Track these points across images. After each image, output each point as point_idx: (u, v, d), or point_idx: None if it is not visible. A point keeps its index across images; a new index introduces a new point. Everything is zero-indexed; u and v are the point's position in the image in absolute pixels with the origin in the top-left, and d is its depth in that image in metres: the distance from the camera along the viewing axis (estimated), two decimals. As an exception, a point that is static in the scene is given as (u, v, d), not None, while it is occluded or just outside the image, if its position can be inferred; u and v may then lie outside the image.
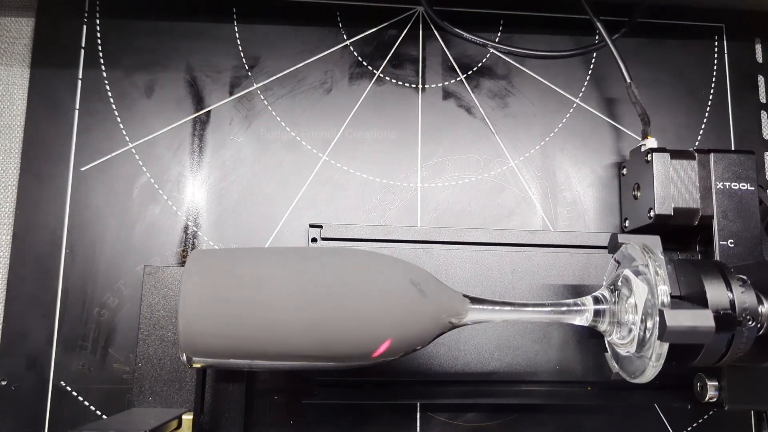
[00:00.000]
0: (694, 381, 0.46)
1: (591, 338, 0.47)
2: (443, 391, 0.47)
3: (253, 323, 0.35)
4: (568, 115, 0.53)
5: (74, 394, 0.46)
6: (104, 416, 0.45)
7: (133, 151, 0.49)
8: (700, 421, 0.50)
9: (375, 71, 0.52)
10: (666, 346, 0.37)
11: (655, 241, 0.43)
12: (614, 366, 0.42)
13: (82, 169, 0.48)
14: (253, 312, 0.35)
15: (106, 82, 0.49)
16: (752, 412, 0.50)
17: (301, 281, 0.36)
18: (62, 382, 0.45)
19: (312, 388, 0.46)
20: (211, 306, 0.35)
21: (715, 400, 0.44)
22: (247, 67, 0.51)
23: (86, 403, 0.45)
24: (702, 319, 0.36)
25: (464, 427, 0.48)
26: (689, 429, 0.49)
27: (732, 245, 0.46)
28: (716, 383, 0.44)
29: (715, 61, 0.55)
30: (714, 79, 0.55)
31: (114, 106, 0.49)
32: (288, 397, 0.47)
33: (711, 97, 0.54)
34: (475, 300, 0.40)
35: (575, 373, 0.47)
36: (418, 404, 0.48)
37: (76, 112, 0.49)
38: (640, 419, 0.49)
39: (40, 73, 0.49)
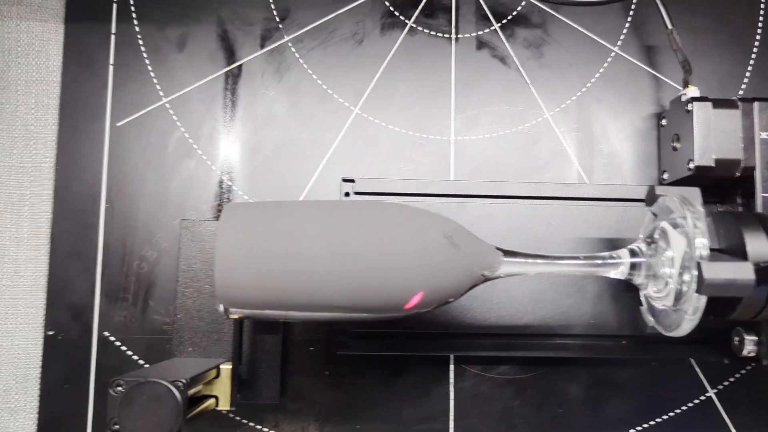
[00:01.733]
0: (731, 335, 0.45)
1: (626, 292, 0.47)
2: (476, 344, 0.47)
3: (288, 275, 0.36)
4: (605, 64, 0.51)
5: (118, 344, 0.47)
6: (147, 365, 0.47)
7: (167, 105, 0.49)
8: (737, 376, 0.49)
9: (407, 21, 0.51)
10: (704, 299, 0.36)
11: (694, 193, 0.42)
12: (650, 319, 0.42)
13: (118, 124, 0.49)
14: (288, 264, 0.36)
15: (139, 36, 0.49)
16: (791, 366, 0.49)
17: (334, 234, 0.36)
18: (106, 333, 0.47)
19: (347, 339, 0.46)
20: (246, 258, 0.36)
21: (753, 354, 0.44)
22: (278, 19, 0.50)
23: (129, 353, 0.47)
24: (741, 271, 0.35)
25: (497, 380, 0.48)
26: (725, 384, 0.49)
27: (775, 197, 0.45)
28: (755, 337, 0.44)
29: (762, 6, 0.53)
30: (760, 25, 0.52)
31: (147, 61, 0.49)
32: (324, 348, 0.48)
33: (756, 44, 0.52)
34: (507, 253, 0.40)
35: (609, 326, 0.47)
36: (452, 356, 0.48)
37: (111, 67, 0.49)
38: (675, 374, 0.49)
39: (74, 28, 0.49)
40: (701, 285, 0.35)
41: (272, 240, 0.36)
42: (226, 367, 0.43)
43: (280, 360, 0.46)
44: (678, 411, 0.49)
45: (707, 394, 0.49)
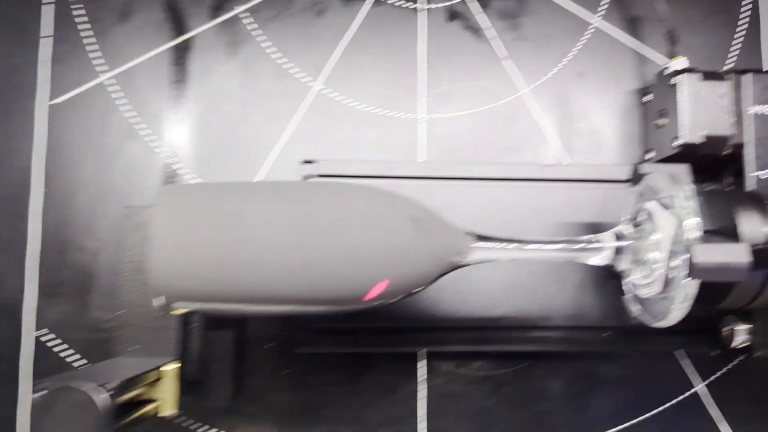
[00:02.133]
0: (721, 325, 0.42)
1: (610, 280, 0.43)
2: (449, 338, 0.43)
3: (234, 264, 0.32)
4: (586, 36, 0.48)
5: (55, 342, 0.43)
6: (84, 366, 0.43)
7: (109, 82, 0.45)
8: (728, 368, 0.46)
9: (372, -10, 0.47)
10: (694, 285, 0.33)
11: (683, 171, 0.39)
12: (635, 309, 0.39)
13: (54, 102, 0.44)
14: (233, 252, 0.32)
15: (78, 5, 0.45)
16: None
17: (287, 217, 0.32)
18: (42, 331, 0.43)
19: (308, 335, 0.43)
20: (185, 246, 0.32)
21: (745, 345, 0.41)
22: (231, -12, 0.46)
23: (68, 353, 0.43)
24: (736, 253, 0.32)
25: (472, 376, 0.45)
26: (715, 377, 0.46)
27: (765, 176, 0.41)
28: (747, 327, 0.41)
29: (751, -26, 0.49)
30: (749, -5, 0.49)
31: (87, 33, 0.45)
32: (282, 345, 0.44)
33: (746, 15, 0.49)
34: (479, 237, 0.36)
35: (592, 317, 0.44)
36: (422, 352, 0.45)
37: (46, 39, 0.44)
38: (662, 367, 0.46)
39: (3, -4, 0.45)
40: (693, 269, 0.32)
41: (216, 225, 0.32)
42: (171, 368, 0.39)
43: (234, 358, 0.42)
44: (665, 406, 0.45)
45: (696, 388, 0.46)
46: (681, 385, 0.46)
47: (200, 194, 0.34)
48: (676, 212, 0.34)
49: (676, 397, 0.46)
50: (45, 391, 0.30)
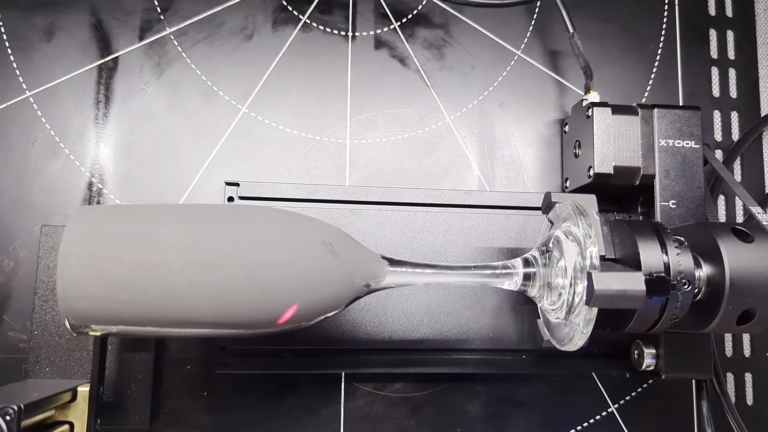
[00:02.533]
0: (631, 349, 0.44)
1: (526, 304, 0.45)
2: (369, 360, 0.44)
3: (142, 287, 0.32)
4: (508, 68, 0.50)
5: (-34, 364, 0.42)
6: (-1, 388, 0.42)
7: (31, 100, 0.44)
8: (639, 390, 0.48)
9: (301, 17, 0.48)
10: (594, 311, 0.34)
11: (590, 201, 0.40)
12: (545, 333, 0.40)
13: (-26, 118, 0.44)
14: (142, 274, 0.32)
15: (0, 23, 0.45)
16: (693, 380, 0.48)
17: (197, 240, 0.33)
18: (-48, 352, 0.42)
19: (227, 357, 0.43)
20: (93, 267, 0.32)
21: (652, 368, 0.42)
22: (159, 10, 0.47)
23: (-21, 374, 0.42)
24: (632, 282, 0.33)
25: (392, 398, 0.45)
26: (627, 398, 0.47)
27: (674, 206, 0.43)
28: (653, 351, 0.42)
29: (665, 14, 0.52)
30: (663, 33, 0.52)
31: (9, 50, 0.44)
32: (201, 366, 0.44)
33: (660, 51, 0.51)
34: (393, 262, 0.37)
35: (509, 340, 0.45)
36: (343, 374, 0.45)
37: (-33, 55, 0.44)
38: (577, 389, 0.47)
39: None
40: (591, 296, 0.33)
41: (124, 246, 0.32)
42: (84, 389, 0.39)
43: (152, 380, 0.42)
44: (580, 427, 0.47)
45: (609, 410, 0.47)
46: (595, 406, 0.47)
47: (113, 215, 0.34)
48: (580, 240, 0.35)
49: (590, 419, 0.47)
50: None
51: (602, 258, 0.35)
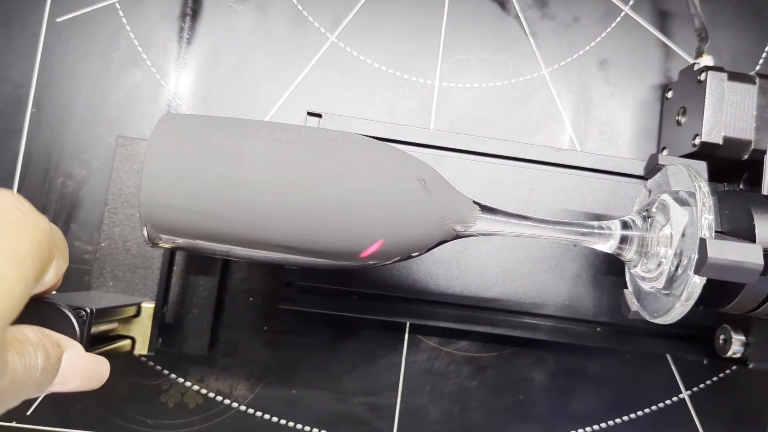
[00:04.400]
0: (716, 333, 0.41)
1: (608, 275, 0.42)
2: (436, 313, 0.42)
3: (227, 201, 0.30)
4: (614, 24, 0.46)
5: (29, 269, 0.41)
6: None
7: (118, 5, 0.43)
8: (715, 379, 0.45)
9: (402, -53, 0.45)
10: (701, 283, 0.32)
11: (700, 167, 0.37)
12: (634, 303, 0.37)
13: (58, 19, 0.42)
14: (229, 188, 0.30)
15: None
16: (775, 374, 0.45)
17: (288, 159, 0.31)
18: (16, 255, 0.41)
19: (292, 293, 0.41)
20: (179, 176, 0.30)
21: (738, 356, 0.40)
22: (256, -75, 0.44)
23: (41, 281, 0.41)
24: (750, 254, 0.31)
25: (455, 356, 0.43)
26: (702, 386, 0.45)
27: (784, 186, 0.40)
28: (742, 337, 0.40)
29: (789, -17, 0.48)
30: (785, 3, 0.48)
31: (100, -48, 0.43)
32: (265, 300, 0.42)
33: (780, 21, 0.48)
34: (485, 208, 0.34)
35: (585, 310, 0.42)
36: (408, 324, 0.43)
37: (56, -47, 0.42)
38: (649, 370, 0.45)
39: None
40: (703, 264, 0.30)
41: (212, 157, 0.30)
42: (149, 306, 0.37)
43: (214, 307, 0.40)
44: (647, 411, 0.44)
45: (681, 396, 0.45)
46: (666, 391, 0.45)
47: (201, 126, 0.32)
48: (692, 208, 0.32)
49: (659, 403, 0.45)
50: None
51: (715, 231, 0.32)
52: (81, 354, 0.26)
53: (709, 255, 0.30)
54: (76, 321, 0.28)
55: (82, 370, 0.26)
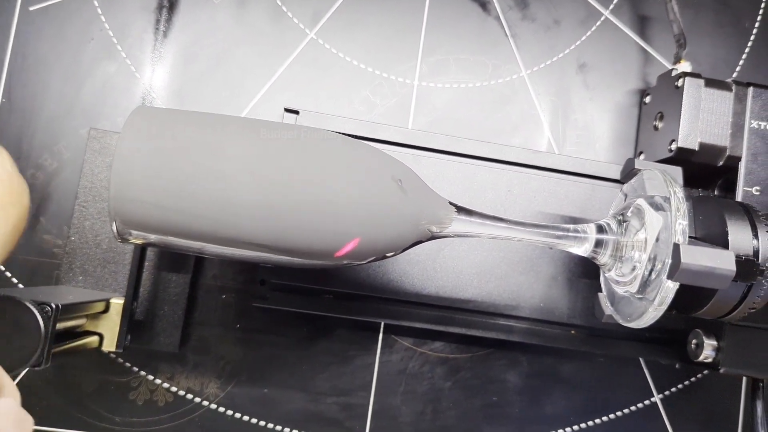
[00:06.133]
0: (689, 337, 0.41)
1: (583, 278, 0.42)
2: (411, 313, 0.42)
3: (200, 197, 0.30)
4: (594, 27, 0.47)
5: (-5, 262, 0.40)
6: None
7: (93, -5, 0.42)
8: (686, 383, 0.45)
9: (383, -56, 0.45)
10: (674, 288, 0.32)
11: (675, 172, 0.37)
12: (608, 307, 0.37)
13: (31, 8, 0.41)
14: (202, 183, 0.30)
15: None
16: (744, 378, 0.45)
17: (263, 155, 0.30)
18: (-17, 248, 0.40)
19: (265, 291, 0.40)
20: (150, 171, 0.29)
21: (710, 360, 0.40)
22: None
23: (8, 274, 0.40)
24: (723, 260, 0.31)
25: (429, 356, 0.43)
26: (673, 389, 0.45)
27: (758, 193, 0.40)
28: (714, 342, 0.40)
29: (767, -9, 0.48)
30: (762, 9, 0.48)
31: (75, -60, 0.42)
32: (238, 297, 0.42)
33: (756, 29, 0.48)
34: (461, 210, 0.34)
35: (560, 313, 0.42)
36: (382, 324, 0.43)
37: (30, -61, 0.42)
38: (622, 373, 0.45)
39: None
40: (675, 270, 0.31)
41: (185, 152, 0.30)
42: (118, 302, 0.37)
43: (186, 304, 0.40)
44: (619, 413, 0.45)
45: (653, 399, 0.45)
46: (638, 394, 0.45)
47: (175, 120, 0.31)
48: (668, 212, 0.33)
49: (631, 406, 0.45)
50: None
51: (696, 238, 0.32)
52: (13, 405, 0.24)
53: (682, 260, 0.30)
54: (41, 316, 0.28)
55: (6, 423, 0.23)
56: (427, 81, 0.44)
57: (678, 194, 0.33)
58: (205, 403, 0.41)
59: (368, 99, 0.44)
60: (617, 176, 0.43)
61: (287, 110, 0.41)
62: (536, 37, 0.46)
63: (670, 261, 0.31)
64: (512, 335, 0.42)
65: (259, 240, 0.31)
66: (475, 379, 0.43)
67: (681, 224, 0.32)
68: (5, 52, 0.41)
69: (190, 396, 0.41)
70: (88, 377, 0.40)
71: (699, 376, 0.46)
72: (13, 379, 0.26)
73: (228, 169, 0.30)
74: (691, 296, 0.35)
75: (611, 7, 0.47)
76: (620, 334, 0.43)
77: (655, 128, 0.44)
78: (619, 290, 0.36)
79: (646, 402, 0.45)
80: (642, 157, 0.45)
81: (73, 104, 0.41)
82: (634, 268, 0.34)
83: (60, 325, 0.30)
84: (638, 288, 0.34)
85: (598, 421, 0.44)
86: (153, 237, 0.31)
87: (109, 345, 0.36)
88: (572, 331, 0.43)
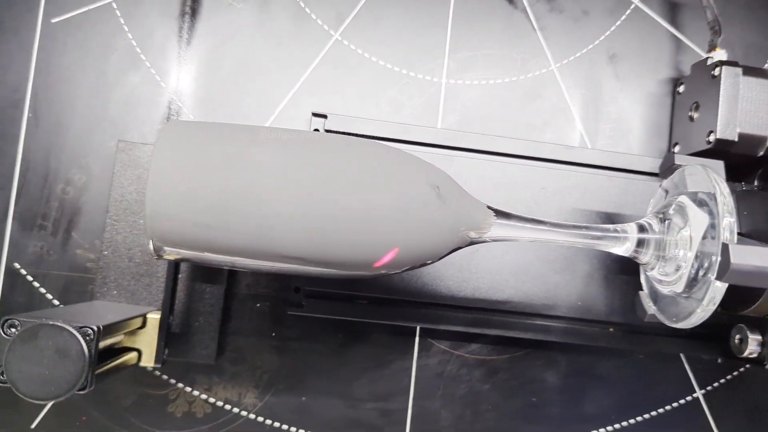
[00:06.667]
0: (732, 332, 0.40)
1: (620, 274, 0.42)
2: (447, 317, 0.41)
3: (234, 213, 0.29)
4: (623, 17, 0.45)
5: (29, 278, 0.40)
6: (61, 306, 0.40)
7: (114, 5, 0.41)
8: (729, 377, 0.45)
9: (406, -60, 0.44)
10: (723, 288, 0.31)
11: (717, 167, 0.36)
12: (650, 306, 0.37)
13: (53, 20, 0.41)
14: (237, 199, 0.29)
15: None
16: (789, 372, 0.45)
17: (298, 168, 0.30)
18: (16, 264, 0.40)
19: (300, 298, 0.40)
20: (185, 188, 0.29)
21: (755, 356, 0.39)
22: None
23: (42, 290, 0.40)
24: (774, 259, 0.30)
25: (466, 359, 0.43)
26: (716, 384, 0.44)
27: (800, 183, 0.39)
28: (759, 337, 0.39)
29: (802, -28, 0.47)
30: (798, -7, 0.47)
31: (94, -50, 0.41)
32: (272, 305, 0.41)
33: (792, 12, 0.47)
34: (500, 213, 0.34)
35: (598, 311, 0.42)
36: (418, 328, 0.43)
37: (49, -49, 0.41)
38: (662, 369, 0.44)
39: None
40: (725, 271, 0.30)
41: (220, 167, 0.29)
42: (154, 317, 0.36)
43: (221, 315, 0.40)
44: (660, 410, 0.44)
45: (695, 395, 0.44)
46: (679, 390, 0.44)
47: (207, 134, 0.31)
48: (713, 210, 0.32)
49: (673, 402, 0.44)
50: (23, 327, 0.27)
51: (740, 234, 0.31)
52: None
53: (732, 261, 0.29)
54: (83, 340, 0.27)
55: None
56: (455, 78, 0.44)
57: (723, 190, 0.32)
58: (244, 413, 0.41)
59: (396, 99, 0.43)
60: (652, 169, 0.42)
61: (315, 114, 0.40)
62: (564, 28, 0.45)
63: (718, 259, 0.30)
64: (550, 335, 0.41)
65: (296, 253, 0.30)
66: (513, 380, 0.43)
67: (728, 221, 0.31)
68: (30, 67, 0.40)
69: (228, 407, 0.41)
70: (126, 391, 0.40)
71: (741, 370, 0.45)
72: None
73: (263, 183, 0.29)
74: (739, 294, 0.34)
75: (641, -6, 0.46)
76: (660, 330, 0.42)
77: (691, 119, 0.43)
78: (663, 289, 0.35)
79: (688, 398, 0.44)
80: (677, 148, 0.44)
81: (100, 117, 0.41)
82: (678, 267, 0.34)
83: (101, 345, 0.30)
84: (684, 287, 0.33)
85: (639, 418, 0.44)
86: (189, 253, 0.31)
87: (148, 360, 0.36)
88: (610, 329, 0.42)
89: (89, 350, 0.27)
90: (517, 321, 0.42)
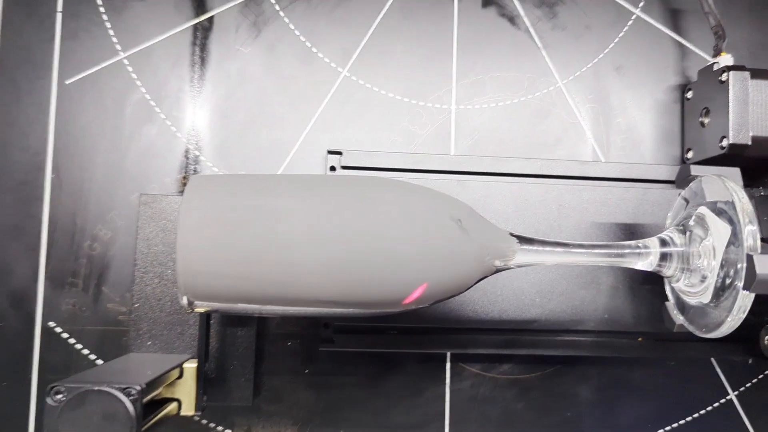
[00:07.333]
0: (761, 333, 0.41)
1: (644, 284, 0.42)
2: (476, 340, 0.42)
3: (264, 263, 0.30)
4: (626, 28, 0.46)
5: (65, 335, 0.41)
6: (99, 360, 0.41)
7: (126, 62, 0.42)
8: (761, 377, 0.45)
9: (405, -28, 0.45)
10: (752, 296, 0.31)
11: (734, 174, 0.37)
12: (678, 317, 0.37)
13: (68, 81, 0.42)
14: (265, 249, 0.30)
15: (93, -20, 0.43)
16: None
17: (321, 214, 0.30)
18: (51, 323, 0.41)
19: (330, 334, 0.41)
20: (214, 241, 0.30)
21: (785, 355, 0.39)
22: (256, -34, 0.44)
23: (78, 346, 0.41)
24: (800, 266, 0.30)
25: (499, 380, 0.43)
26: (748, 385, 0.44)
27: (817, 182, 0.40)
28: (789, 337, 0.39)
29: (800, -32, 0.47)
30: (797, -11, 0.47)
31: (102, 9, 0.42)
32: (303, 343, 0.42)
33: (793, 9, 0.47)
34: (523, 240, 0.34)
35: (625, 322, 0.42)
36: (448, 354, 0.43)
37: (59, 15, 0.42)
38: (694, 374, 0.44)
39: (15, -33, 0.42)
40: (751, 281, 0.30)
41: (246, 220, 0.30)
42: (191, 366, 0.37)
43: (254, 356, 0.40)
44: (695, 415, 0.44)
45: (728, 397, 0.44)
46: (712, 393, 0.44)
47: (231, 186, 0.32)
48: (733, 218, 0.32)
49: (707, 406, 0.44)
50: (70, 393, 0.28)
51: (763, 239, 0.32)
52: None
53: (757, 271, 0.30)
54: (128, 401, 0.28)
55: None
56: (464, 104, 0.44)
57: (742, 199, 0.32)
58: (284, 451, 0.41)
59: (408, 129, 0.44)
60: (667, 177, 0.43)
61: (330, 152, 0.41)
62: (568, 45, 0.45)
63: (744, 266, 0.31)
64: (580, 350, 0.42)
65: (325, 297, 0.31)
66: (547, 397, 0.43)
67: (749, 229, 0.31)
68: (49, 129, 0.41)
69: (268, 446, 0.41)
70: (167, 438, 0.41)
71: (772, 368, 0.45)
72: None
73: (288, 232, 0.30)
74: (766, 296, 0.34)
75: (641, 4, 0.46)
76: (688, 336, 0.42)
77: (702, 124, 0.43)
78: (690, 300, 0.35)
79: (722, 400, 0.44)
80: (690, 154, 0.44)
81: (120, 171, 0.41)
82: (704, 278, 0.34)
83: (144, 400, 0.30)
84: (711, 297, 0.33)
85: (675, 425, 0.44)
86: (222, 305, 0.31)
87: (188, 409, 0.37)
88: (639, 339, 0.42)
89: (135, 410, 0.28)
90: (545, 339, 0.42)
